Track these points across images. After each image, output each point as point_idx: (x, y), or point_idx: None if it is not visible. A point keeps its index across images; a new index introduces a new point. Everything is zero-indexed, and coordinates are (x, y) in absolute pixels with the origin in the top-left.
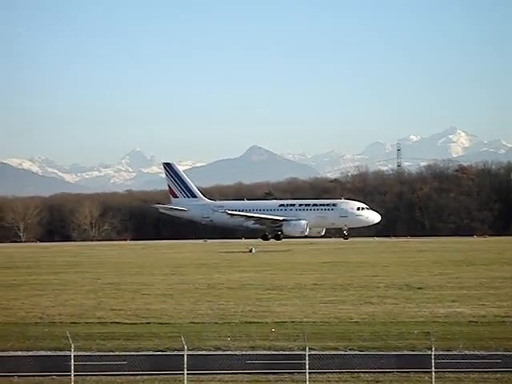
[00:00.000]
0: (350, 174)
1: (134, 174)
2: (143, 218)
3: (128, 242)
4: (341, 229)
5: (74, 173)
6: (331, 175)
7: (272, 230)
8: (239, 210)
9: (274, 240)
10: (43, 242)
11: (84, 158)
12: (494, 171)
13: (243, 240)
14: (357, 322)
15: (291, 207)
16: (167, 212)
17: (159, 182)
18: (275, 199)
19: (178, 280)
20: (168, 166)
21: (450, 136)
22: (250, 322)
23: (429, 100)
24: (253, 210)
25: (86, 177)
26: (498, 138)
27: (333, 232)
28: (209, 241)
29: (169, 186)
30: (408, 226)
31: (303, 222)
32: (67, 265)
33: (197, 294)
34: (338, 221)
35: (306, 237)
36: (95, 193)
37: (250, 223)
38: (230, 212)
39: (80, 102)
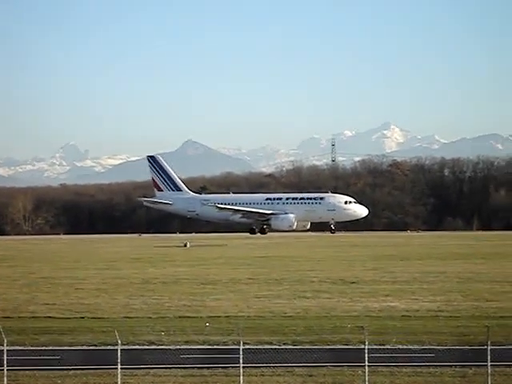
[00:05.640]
0: (284, 169)
1: (68, 168)
2: (77, 212)
3: (62, 236)
4: (327, 222)
5: (8, 166)
6: (266, 170)
7: (259, 224)
8: (226, 204)
9: (259, 234)
10: None
11: (18, 151)
12: (427, 166)
13: (178, 234)
14: (291, 316)
15: (278, 201)
16: (151, 205)
17: (93, 175)
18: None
19: (112, 274)
20: (152, 159)
21: (385, 131)
22: (185, 317)
23: (363, 95)
24: (239, 204)
25: (20, 170)
26: (432, 134)
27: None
28: (143, 235)
29: (153, 179)
30: None
31: (291, 215)
32: (0, 259)
33: (131, 289)
34: (326, 214)
35: (292, 231)
36: (28, 186)
37: (238, 217)
38: (219, 206)
39: (15, 93)
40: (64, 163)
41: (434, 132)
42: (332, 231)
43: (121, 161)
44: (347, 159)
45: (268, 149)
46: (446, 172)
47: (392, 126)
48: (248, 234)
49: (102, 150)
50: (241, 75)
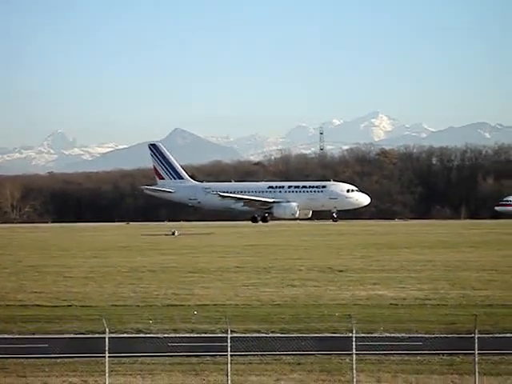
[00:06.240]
0: (273, 158)
1: (56, 156)
2: (65, 201)
3: (50, 224)
4: (330, 211)
5: None
6: (254, 158)
7: (261, 213)
8: (228, 192)
9: (261, 222)
10: None
11: (5, 139)
12: (415, 155)
13: (167, 223)
14: (279, 304)
15: (280, 189)
16: (153, 194)
17: (81, 163)
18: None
19: (100, 263)
20: (154, 147)
21: (373, 120)
22: (173, 305)
23: (351, 84)
24: (241, 192)
25: (7, 158)
26: (420, 122)
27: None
28: (131, 223)
29: (154, 167)
30: None
31: (294, 204)
32: None
33: (119, 277)
34: (328, 203)
35: (294, 219)
36: (16, 175)
37: (240, 205)
38: (222, 194)
39: (2, 82)
40: (52, 151)
41: (422, 120)
42: (334, 220)
43: (109, 149)
44: (335, 148)
45: (256, 137)
46: (434, 160)
47: (380, 115)
48: (249, 223)
49: (90, 138)
50: (229, 64)
